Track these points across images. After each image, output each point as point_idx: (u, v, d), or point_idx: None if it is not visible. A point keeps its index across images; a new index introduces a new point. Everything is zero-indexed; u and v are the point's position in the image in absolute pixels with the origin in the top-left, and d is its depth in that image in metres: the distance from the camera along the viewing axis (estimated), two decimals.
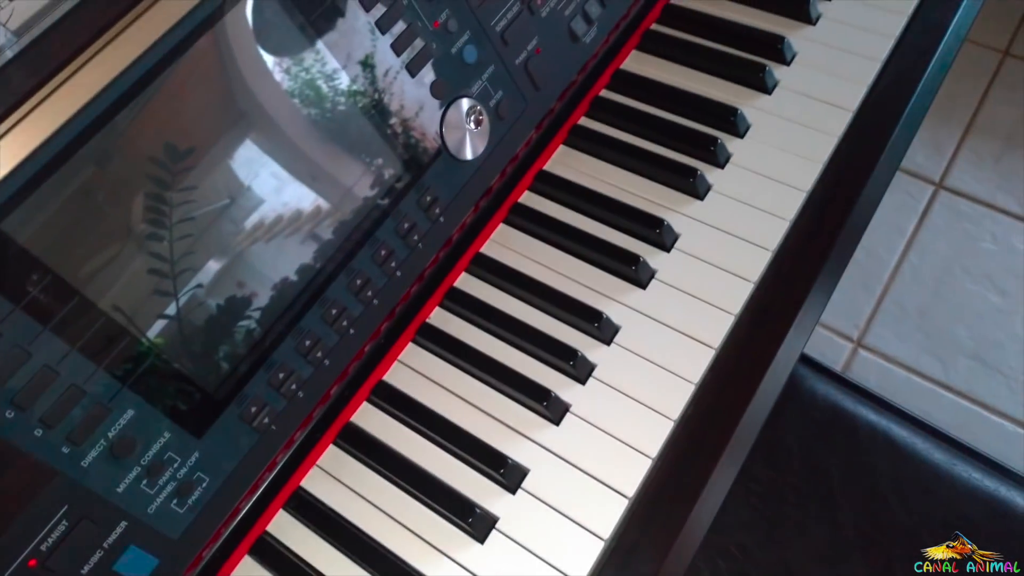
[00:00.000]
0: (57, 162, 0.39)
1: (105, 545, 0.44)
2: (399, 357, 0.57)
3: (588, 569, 0.47)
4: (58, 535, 0.43)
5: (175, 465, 0.46)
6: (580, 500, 0.49)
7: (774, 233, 0.56)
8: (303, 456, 0.54)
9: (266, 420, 0.49)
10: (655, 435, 0.51)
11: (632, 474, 0.49)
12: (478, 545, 0.49)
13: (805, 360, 0.86)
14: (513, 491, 0.51)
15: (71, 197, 0.40)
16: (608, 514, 0.49)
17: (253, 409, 0.49)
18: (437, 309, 0.59)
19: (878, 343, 1.37)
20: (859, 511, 0.77)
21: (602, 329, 0.54)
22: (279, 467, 0.52)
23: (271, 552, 0.52)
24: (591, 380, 0.54)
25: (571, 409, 0.53)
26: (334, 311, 0.51)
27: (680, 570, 0.50)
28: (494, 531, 0.50)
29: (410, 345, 0.58)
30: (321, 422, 0.54)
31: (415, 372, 0.56)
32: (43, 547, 0.42)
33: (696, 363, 0.53)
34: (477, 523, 0.49)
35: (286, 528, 0.53)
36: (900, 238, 1.44)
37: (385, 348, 0.57)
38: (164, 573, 0.47)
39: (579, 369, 0.53)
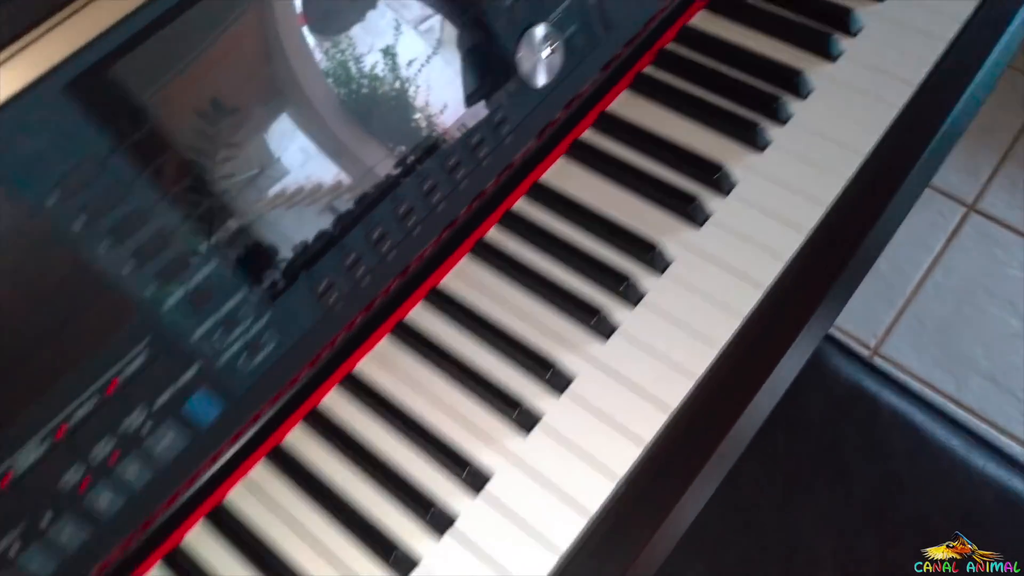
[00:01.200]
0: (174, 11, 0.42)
1: (177, 384, 0.47)
2: (454, 268, 0.60)
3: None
4: (136, 367, 0.45)
5: (247, 323, 0.49)
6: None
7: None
8: (361, 341, 0.56)
9: (333, 298, 0.52)
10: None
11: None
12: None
13: (832, 341, 0.88)
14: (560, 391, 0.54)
15: (178, 41, 0.43)
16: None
17: (323, 284, 0.51)
18: (495, 228, 0.61)
19: (894, 354, 1.39)
20: (873, 487, 0.78)
21: (655, 259, 0.57)
22: (337, 347, 0.55)
23: (323, 423, 0.54)
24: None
25: (619, 328, 0.55)
26: (403, 209, 0.54)
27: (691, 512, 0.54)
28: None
29: (465, 259, 0.60)
30: (380, 313, 0.57)
31: (470, 285, 0.59)
32: (122, 376, 0.45)
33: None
34: (523, 418, 0.52)
35: (338, 404, 0.55)
36: (927, 255, 1.45)
37: (442, 258, 0.60)
38: (225, 423, 0.50)
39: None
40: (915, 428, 0.82)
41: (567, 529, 0.49)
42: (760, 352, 0.55)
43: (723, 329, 0.55)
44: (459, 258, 0.60)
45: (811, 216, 0.59)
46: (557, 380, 0.54)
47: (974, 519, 0.76)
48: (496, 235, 0.61)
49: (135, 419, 0.46)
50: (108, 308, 0.44)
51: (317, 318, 0.52)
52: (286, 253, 0.49)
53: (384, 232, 0.53)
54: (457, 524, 0.51)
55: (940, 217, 1.49)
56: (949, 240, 1.47)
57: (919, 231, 1.48)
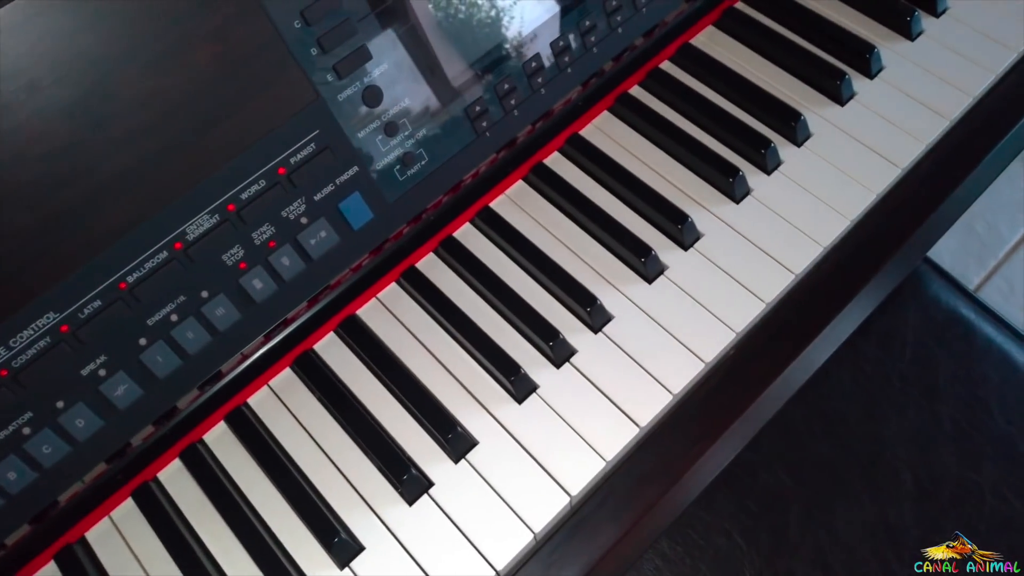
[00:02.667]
0: None
1: (338, 181, 0.49)
2: (595, 121, 0.61)
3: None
4: (304, 156, 0.47)
5: (407, 132, 0.50)
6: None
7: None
8: (499, 181, 0.58)
9: (484, 123, 0.53)
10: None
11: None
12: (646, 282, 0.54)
13: (934, 268, 0.87)
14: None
15: None
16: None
17: (477, 108, 0.52)
18: (639, 85, 0.62)
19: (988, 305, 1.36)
20: (959, 409, 0.78)
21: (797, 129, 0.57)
22: (476, 183, 0.56)
23: (457, 250, 0.56)
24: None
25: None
26: (561, 44, 0.55)
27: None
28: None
29: (605, 112, 0.61)
30: (520, 153, 0.58)
31: (609, 137, 0.60)
32: (292, 160, 0.47)
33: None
34: (649, 266, 0.54)
35: (471, 237, 0.57)
36: None
37: (586, 107, 0.60)
38: (374, 230, 0.52)
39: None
40: (1007, 359, 0.81)
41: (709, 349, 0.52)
42: (882, 238, 0.56)
43: (856, 203, 0.55)
44: (601, 110, 0.61)
45: (955, 106, 0.58)
46: (689, 234, 0.55)
47: None
48: (639, 92, 0.61)
49: (295, 208, 0.48)
50: (286, 91, 0.46)
51: (466, 142, 0.53)
52: (452, 69, 0.51)
53: (539, 66, 0.54)
54: (574, 359, 0.52)
55: None
56: None
57: (1019, 194, 1.43)
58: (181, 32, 0.42)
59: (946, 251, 1.41)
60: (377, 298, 0.56)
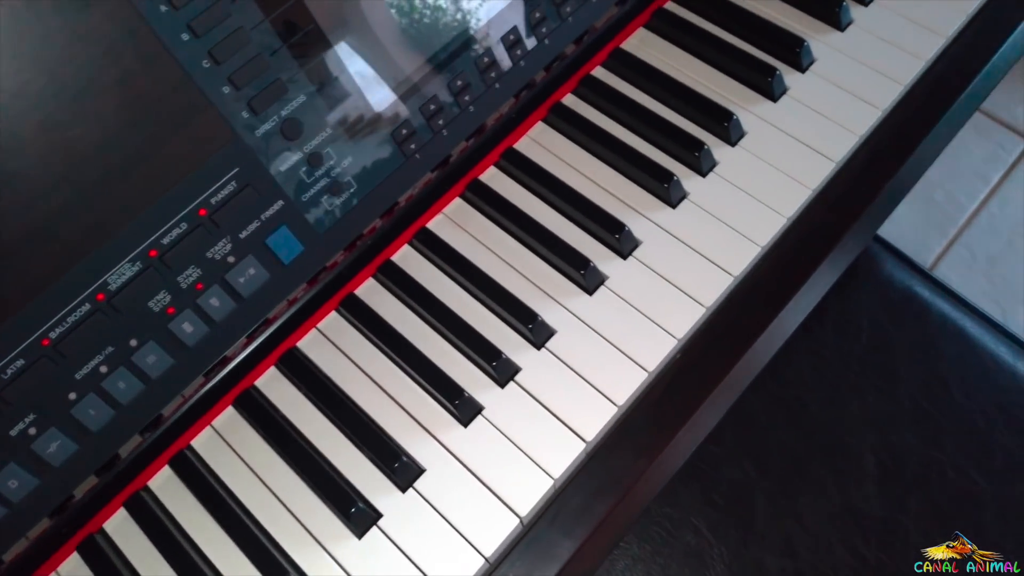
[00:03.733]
0: None
1: (263, 217, 0.48)
2: (530, 133, 0.60)
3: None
4: (226, 195, 0.46)
5: (331, 163, 0.50)
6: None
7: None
8: (434, 200, 0.57)
9: (412, 146, 0.52)
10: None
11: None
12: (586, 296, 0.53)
13: (888, 248, 0.87)
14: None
15: None
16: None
17: (404, 131, 0.52)
18: (572, 93, 0.61)
19: (942, 281, 1.37)
20: (918, 388, 0.79)
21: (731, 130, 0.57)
22: (411, 204, 0.56)
23: (396, 274, 0.56)
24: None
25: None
26: (486, 61, 0.54)
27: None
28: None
29: (539, 124, 0.60)
30: (455, 171, 0.57)
31: (544, 149, 0.59)
32: (213, 200, 0.46)
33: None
34: (589, 278, 0.53)
35: (409, 259, 0.57)
36: (983, 186, 1.42)
37: (517, 121, 0.60)
38: (305, 263, 0.51)
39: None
40: (963, 334, 0.82)
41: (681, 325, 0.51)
42: (822, 231, 0.56)
43: (792, 200, 0.55)
44: (535, 121, 0.60)
45: (887, 95, 0.58)
46: (627, 243, 0.55)
47: (1016, 421, 0.77)
48: (573, 100, 0.61)
49: (221, 248, 0.47)
50: (201, 132, 0.45)
51: (395, 166, 0.52)
52: (373, 95, 0.50)
53: (465, 84, 0.53)
54: (519, 377, 0.52)
55: (1000, 150, 1.45)
56: (1007, 173, 1.43)
57: (977, 163, 1.44)
58: (86, 81, 0.41)
59: (906, 222, 1.42)
60: (317, 328, 0.55)
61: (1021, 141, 1.45)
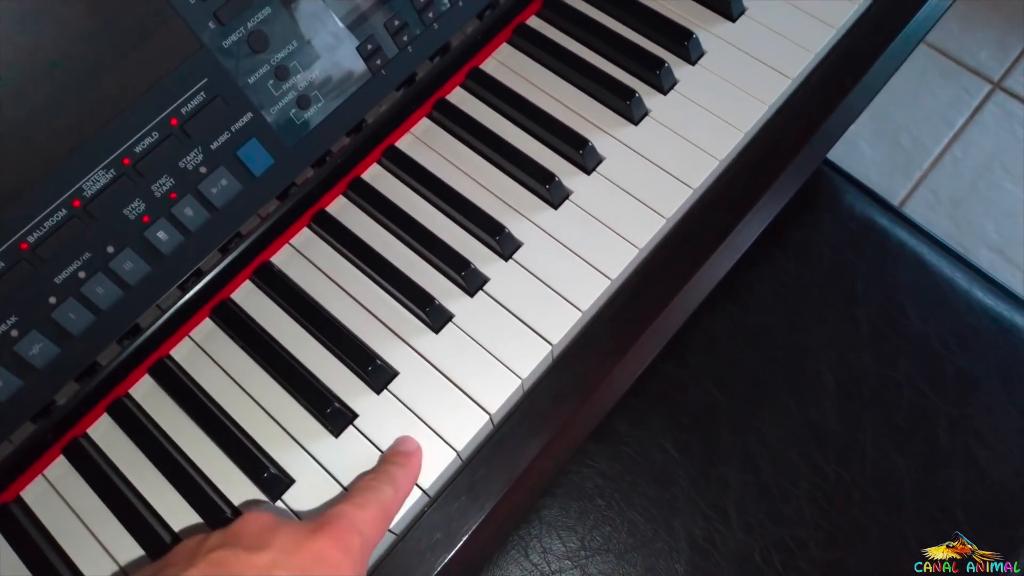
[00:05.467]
0: None
1: (232, 128, 0.49)
2: (495, 54, 0.62)
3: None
4: (196, 105, 0.48)
5: (298, 76, 0.51)
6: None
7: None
8: (402, 120, 0.59)
9: (378, 61, 0.54)
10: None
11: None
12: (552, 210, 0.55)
13: (849, 179, 0.90)
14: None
15: None
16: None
17: (369, 47, 0.53)
18: (537, 14, 0.62)
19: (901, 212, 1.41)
20: (876, 312, 0.82)
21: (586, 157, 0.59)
22: (380, 123, 0.57)
23: (365, 191, 0.57)
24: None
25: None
26: None
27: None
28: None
29: (504, 44, 0.62)
30: (421, 93, 0.59)
31: (509, 69, 0.61)
32: (183, 111, 0.47)
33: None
34: (555, 192, 0.55)
35: (379, 177, 0.58)
36: (948, 130, 1.45)
37: (484, 41, 0.61)
38: (275, 175, 0.52)
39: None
40: (920, 261, 0.85)
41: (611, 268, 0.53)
42: (778, 146, 0.58)
43: (750, 115, 0.57)
44: (501, 42, 0.62)
45: (842, 15, 0.60)
46: (591, 158, 0.57)
47: (970, 344, 0.80)
48: (537, 22, 0.62)
49: (193, 159, 0.49)
50: (167, 42, 0.46)
51: (362, 81, 0.54)
52: (340, 8, 0.51)
53: (429, 0, 0.54)
54: (487, 287, 0.54)
55: (964, 93, 1.48)
56: (971, 116, 1.46)
57: (942, 107, 1.47)
58: None
59: (872, 165, 1.45)
60: (290, 244, 0.57)
61: (985, 84, 1.48)
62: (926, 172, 1.44)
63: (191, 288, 0.54)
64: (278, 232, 0.56)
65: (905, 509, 0.74)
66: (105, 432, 0.53)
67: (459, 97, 0.61)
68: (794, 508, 0.75)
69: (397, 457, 0.49)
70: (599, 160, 0.57)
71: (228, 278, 0.55)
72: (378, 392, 0.52)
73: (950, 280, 0.84)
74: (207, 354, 0.54)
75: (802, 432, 0.79)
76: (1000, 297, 0.83)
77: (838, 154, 0.90)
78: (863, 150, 1.46)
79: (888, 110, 1.47)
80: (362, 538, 0.44)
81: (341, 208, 0.58)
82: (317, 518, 0.44)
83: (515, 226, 0.56)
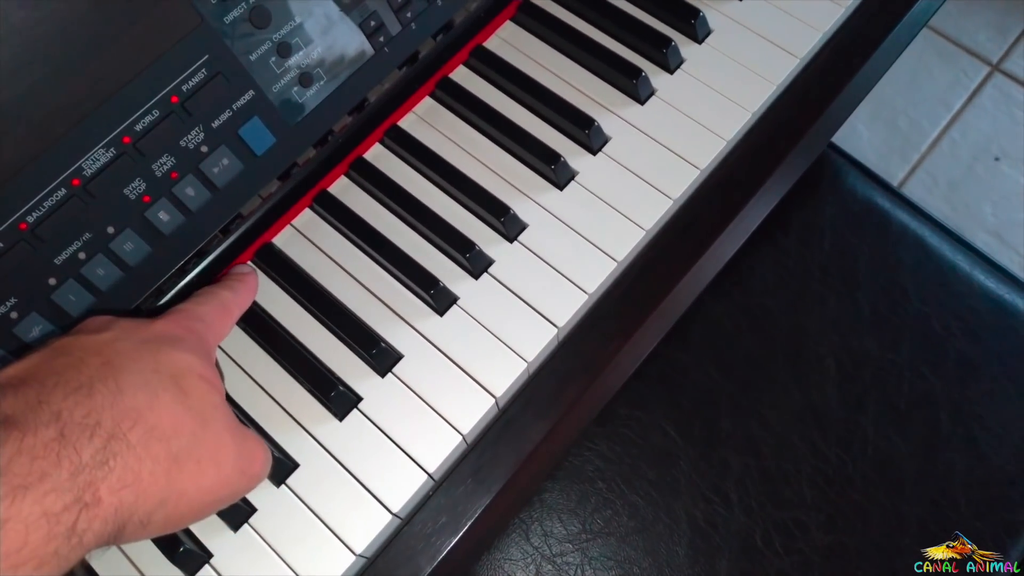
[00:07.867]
0: None
1: (234, 107, 0.48)
2: (499, 31, 0.60)
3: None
4: (197, 82, 0.47)
5: (300, 53, 0.50)
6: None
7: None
8: (405, 99, 0.58)
9: (381, 39, 0.53)
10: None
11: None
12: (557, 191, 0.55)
13: (851, 161, 0.89)
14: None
15: None
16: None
17: (372, 24, 0.52)
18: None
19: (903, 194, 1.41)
20: (877, 294, 0.82)
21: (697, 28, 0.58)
22: (382, 102, 0.56)
23: (368, 171, 0.56)
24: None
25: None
26: None
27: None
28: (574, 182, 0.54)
29: (508, 22, 0.61)
30: (423, 72, 0.58)
31: (514, 47, 0.60)
32: (184, 88, 0.46)
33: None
34: (560, 173, 0.54)
35: (382, 157, 0.57)
36: (946, 112, 1.45)
37: (488, 19, 0.60)
38: (277, 155, 0.51)
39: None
40: (922, 244, 0.84)
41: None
42: (786, 127, 0.58)
43: (758, 95, 0.57)
44: (504, 20, 0.60)
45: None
46: (596, 138, 0.56)
47: (971, 327, 0.80)
48: None
49: (194, 137, 0.48)
50: (168, 16, 0.45)
51: (365, 59, 0.53)
52: None
53: None
54: (492, 269, 0.54)
55: (963, 76, 1.48)
56: (970, 99, 1.46)
57: (940, 89, 1.47)
58: None
59: (870, 148, 1.44)
60: (292, 225, 0.56)
61: (984, 67, 1.48)
62: (924, 155, 1.43)
63: (192, 270, 0.53)
64: (280, 213, 0.55)
65: (906, 492, 0.75)
66: None
67: (462, 76, 0.60)
68: (795, 491, 0.76)
69: (231, 276, 0.52)
70: (605, 140, 0.57)
71: (228, 260, 0.54)
72: (382, 375, 0.51)
73: (952, 263, 0.83)
74: None
75: (803, 414, 0.79)
76: (1002, 280, 0.83)
77: (835, 136, 0.90)
78: (860, 132, 1.45)
79: (886, 92, 1.46)
80: (203, 324, 0.46)
81: (343, 188, 0.57)
82: None
83: (520, 207, 0.55)
